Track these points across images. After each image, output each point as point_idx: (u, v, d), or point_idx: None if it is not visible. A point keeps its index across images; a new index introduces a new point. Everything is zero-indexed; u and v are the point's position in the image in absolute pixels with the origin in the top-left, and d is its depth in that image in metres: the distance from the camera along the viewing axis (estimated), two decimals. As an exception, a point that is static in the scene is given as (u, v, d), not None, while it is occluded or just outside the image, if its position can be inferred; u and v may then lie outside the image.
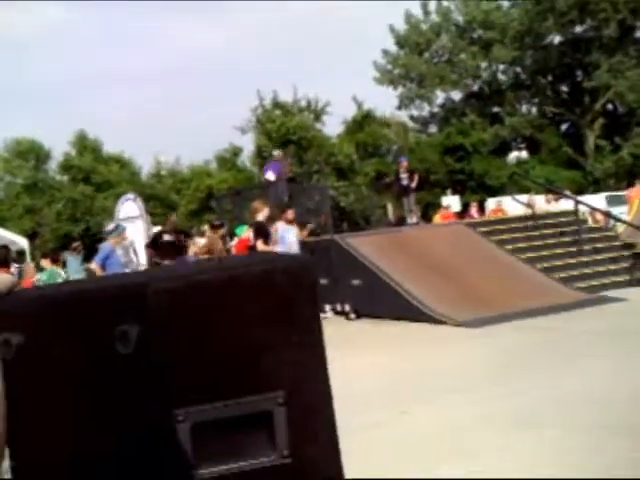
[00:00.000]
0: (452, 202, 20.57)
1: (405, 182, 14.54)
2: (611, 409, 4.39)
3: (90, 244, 20.06)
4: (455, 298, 8.66)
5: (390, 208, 19.01)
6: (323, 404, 1.23)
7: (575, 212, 11.54)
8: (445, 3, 38.25)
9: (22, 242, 19.52)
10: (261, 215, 9.14)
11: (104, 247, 8.92)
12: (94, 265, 8.65)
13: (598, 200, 22.53)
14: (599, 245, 10.88)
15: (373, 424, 4.51)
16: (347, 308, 9.66)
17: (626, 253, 10.58)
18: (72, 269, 15.53)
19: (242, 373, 1.15)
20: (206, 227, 12.92)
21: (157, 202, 31.51)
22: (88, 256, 14.03)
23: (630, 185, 23.21)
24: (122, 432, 1.11)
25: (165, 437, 1.09)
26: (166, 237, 8.74)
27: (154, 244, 8.91)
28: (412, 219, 14.42)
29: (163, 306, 1.15)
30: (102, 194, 32.36)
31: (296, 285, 1.20)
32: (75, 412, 1.12)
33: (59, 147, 35.69)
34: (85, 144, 34.79)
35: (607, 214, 14.41)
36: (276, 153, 15.29)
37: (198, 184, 32.16)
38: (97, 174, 33.52)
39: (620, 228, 13.60)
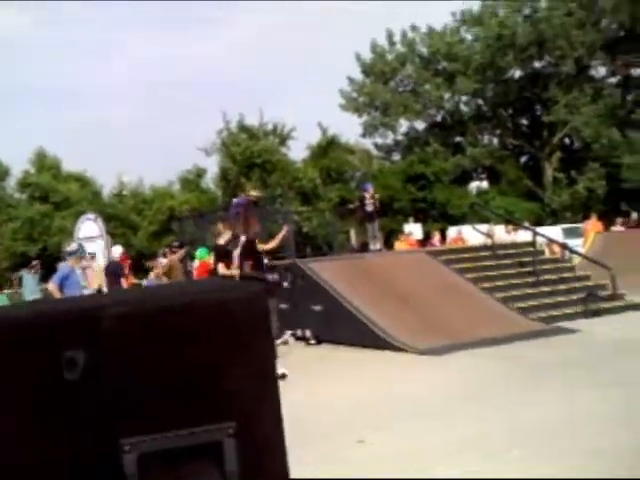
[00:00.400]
0: (414, 230, 20.78)
1: (370, 208, 14.63)
2: (566, 436, 4.44)
3: (47, 264, 19.64)
4: (416, 326, 8.70)
5: (353, 234, 19.10)
6: (275, 435, 1.22)
7: (533, 243, 11.76)
8: (410, 34, 39.00)
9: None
10: (223, 238, 9.08)
11: (62, 267, 8.76)
12: (51, 286, 8.47)
13: (555, 232, 23.01)
14: (555, 276, 11.07)
15: (329, 453, 4.47)
16: (307, 333, 9.61)
17: (581, 285, 10.79)
18: (28, 288, 15.19)
19: (192, 403, 1.13)
20: (166, 249, 12.79)
21: (118, 222, 31.08)
22: (46, 276, 13.75)
23: (586, 218, 23.88)
24: (67, 462, 1.08)
25: (110, 468, 1.06)
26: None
27: None
28: (375, 245, 14.51)
29: (114, 332, 1.13)
30: (60, 213, 31.81)
31: (249, 315, 1.19)
32: (18, 440, 1.09)
33: (18, 165, 35.08)
34: (44, 162, 34.24)
35: (563, 246, 14.72)
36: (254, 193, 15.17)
37: (160, 205, 31.88)
38: (56, 192, 32.97)
39: (576, 260, 13.91)
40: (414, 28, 38.95)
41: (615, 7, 33.80)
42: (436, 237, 18.48)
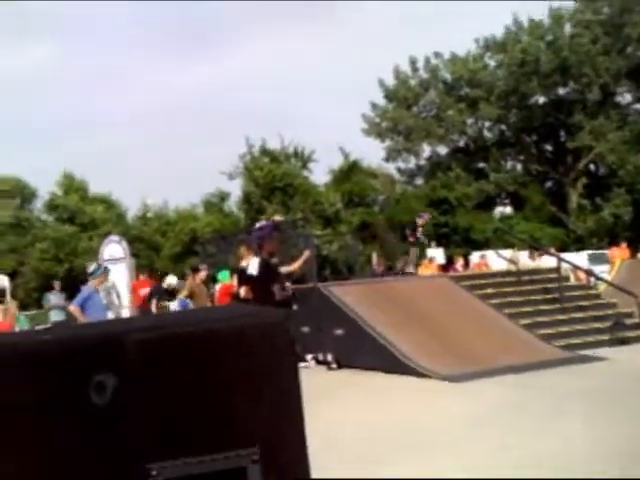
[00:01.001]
0: (437, 254, 20.68)
1: (420, 235, 16.08)
2: (589, 469, 4.36)
3: (73, 284, 19.88)
4: (438, 351, 8.63)
5: (374, 257, 19.06)
6: (298, 461, 1.22)
7: (557, 269, 11.63)
8: (433, 61, 39.21)
9: (3, 280, 19.39)
10: (245, 261, 9.12)
11: (85, 289, 8.85)
12: (72, 307, 8.54)
13: (580, 258, 22.75)
14: (581, 303, 10.93)
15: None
16: (329, 358, 9.58)
17: (608, 312, 10.63)
18: (53, 310, 15.30)
19: (217, 428, 1.14)
20: (188, 271, 12.88)
21: (142, 244, 31.39)
22: (71, 296, 13.92)
23: (612, 244, 23.63)
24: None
25: (136, 492, 1.07)
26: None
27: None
28: (409, 269, 15.31)
29: (140, 357, 1.14)
30: (87, 234, 32.23)
31: (273, 342, 1.20)
32: (46, 461, 1.10)
33: (45, 187, 35.69)
34: (72, 184, 34.80)
35: (589, 272, 14.54)
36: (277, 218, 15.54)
37: (183, 227, 32.16)
38: (82, 214, 33.44)
39: (601, 287, 13.73)
40: (437, 54, 39.17)
41: (640, 37, 33.73)
42: (459, 262, 18.39)
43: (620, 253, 18.34)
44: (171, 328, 1.21)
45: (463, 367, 8.09)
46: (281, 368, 1.23)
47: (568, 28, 36.21)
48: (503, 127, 40.32)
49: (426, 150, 40.80)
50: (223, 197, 35.44)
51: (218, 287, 11.56)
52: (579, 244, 33.56)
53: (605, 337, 9.86)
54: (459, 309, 9.82)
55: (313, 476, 1.27)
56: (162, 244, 33.06)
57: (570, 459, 4.63)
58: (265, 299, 7.88)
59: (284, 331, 1.25)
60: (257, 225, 13.88)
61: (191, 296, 10.18)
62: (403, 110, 39.08)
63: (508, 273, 12.22)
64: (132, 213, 36.61)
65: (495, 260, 17.88)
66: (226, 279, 11.17)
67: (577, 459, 4.63)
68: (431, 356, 8.41)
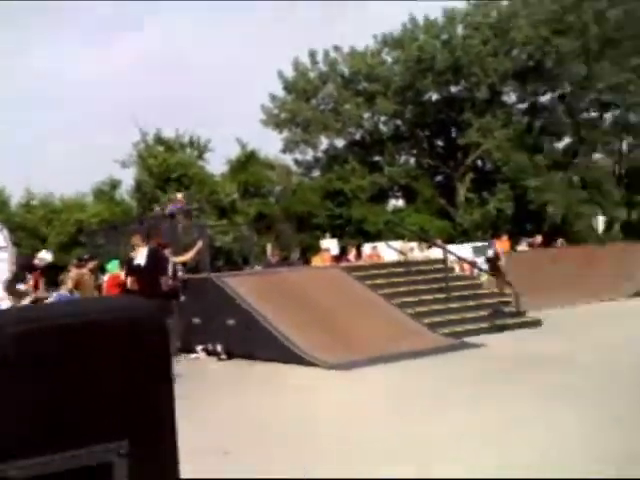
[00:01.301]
0: (330, 245, 21.00)
1: None
2: (476, 453, 4.61)
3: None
4: (328, 340, 8.79)
5: (269, 248, 19.10)
6: (168, 455, 1.23)
7: (444, 260, 12.12)
8: (332, 54, 39.62)
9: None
10: (136, 251, 8.88)
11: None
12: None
13: (465, 250, 23.80)
14: (465, 293, 11.46)
15: (230, 472, 4.45)
16: (219, 348, 9.53)
17: (488, 301, 11.22)
18: None
19: (83, 423, 1.13)
20: (74, 261, 12.39)
21: (25, 233, 29.85)
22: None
23: (495, 237, 24.80)
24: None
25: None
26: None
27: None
28: None
29: (7, 351, 1.11)
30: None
31: (145, 334, 1.20)
32: None
33: None
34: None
35: (473, 264, 15.24)
36: (179, 196, 15.64)
37: (69, 216, 30.92)
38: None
39: (484, 277, 14.45)
40: (337, 48, 39.62)
41: (526, 39, 35.54)
42: (351, 253, 18.74)
43: (501, 245, 19.31)
44: (42, 320, 1.18)
45: (351, 356, 8.30)
46: (152, 361, 1.23)
47: (461, 29, 37.62)
48: (398, 122, 41.35)
49: (323, 142, 41.25)
50: (114, 185, 34.29)
51: (106, 277, 11.21)
52: (465, 236, 35.05)
53: (486, 325, 10.39)
54: (350, 299, 10.04)
55: (187, 470, 1.28)
56: (47, 233, 31.59)
57: (456, 443, 4.86)
58: (151, 290, 7.70)
59: (157, 323, 1.25)
60: (170, 208, 13.81)
61: (77, 287, 9.81)
62: (302, 102, 39.28)
63: (398, 264, 12.61)
64: (15, 200, 34.72)
65: (386, 251, 18.37)
66: (115, 269, 10.85)
67: (463, 444, 4.87)
68: (320, 345, 8.57)
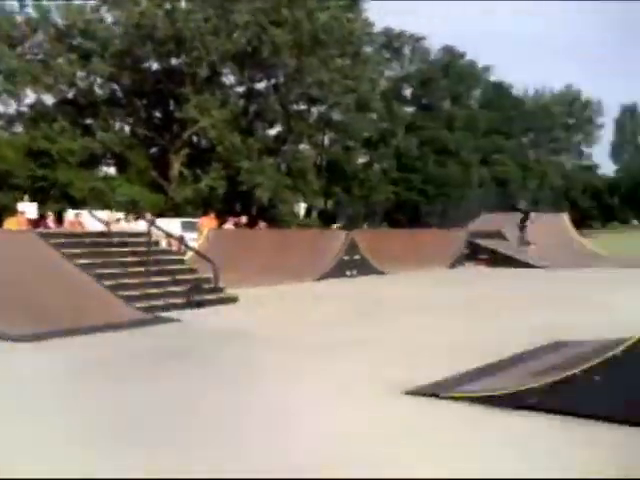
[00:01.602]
0: (28, 209, 19.43)
1: None
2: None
3: None
4: (14, 311, 8.16)
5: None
6: None
7: (149, 234, 12.00)
8: (44, 2, 36.51)
9: None
10: None
11: None
12: None
13: (175, 225, 23.88)
14: (166, 267, 11.48)
15: None
16: None
17: (189, 277, 11.39)
18: None
19: None
20: None
21: None
22: None
23: (205, 214, 25.31)
24: None
25: None
26: None
27: None
28: None
29: None
30: None
31: None
32: None
33: None
34: None
35: (179, 239, 15.35)
36: None
37: None
38: None
39: (190, 253, 14.64)
40: (49, -5, 36.62)
41: (245, 24, 36.62)
42: (50, 218, 17.61)
43: (208, 222, 19.79)
44: None
45: (39, 327, 7.82)
46: None
47: (184, 2, 37.35)
48: (115, 86, 39.71)
49: (30, 96, 37.88)
50: None
51: None
52: (176, 211, 35.16)
53: (184, 300, 10.57)
54: (41, 267, 9.43)
55: None
56: None
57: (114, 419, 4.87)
58: None
59: None
60: None
61: None
62: (6, 48, 35.48)
63: (100, 234, 12.15)
64: None
65: (90, 220, 17.59)
66: None
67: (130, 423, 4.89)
68: (6, 316, 7.91)
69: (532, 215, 21.62)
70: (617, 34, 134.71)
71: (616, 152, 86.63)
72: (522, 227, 21.30)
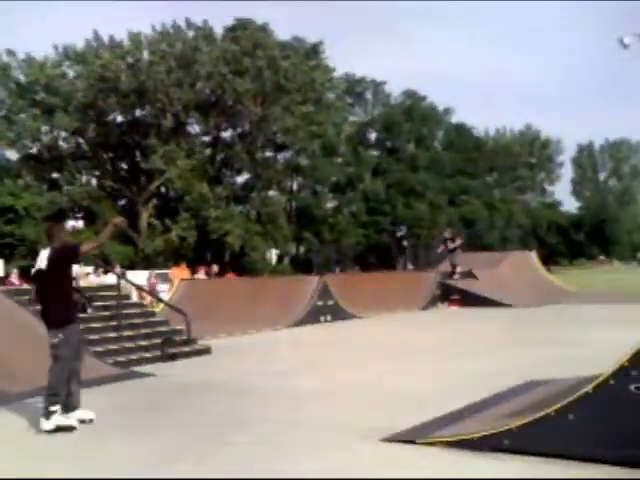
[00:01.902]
0: (-5, 266, 19.14)
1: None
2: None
3: None
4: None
5: None
6: None
7: (118, 287, 11.90)
8: (5, 58, 36.72)
9: None
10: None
11: None
12: None
13: (146, 276, 23.68)
14: (137, 321, 11.36)
15: None
16: None
17: (161, 329, 11.28)
18: None
19: None
20: None
21: None
22: None
23: (176, 264, 25.18)
24: None
25: None
26: None
27: None
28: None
29: None
30: None
31: None
32: None
33: None
34: None
35: (148, 292, 15.24)
36: None
37: None
38: None
39: (161, 305, 14.52)
40: (10, 52, 36.85)
41: (208, 75, 37.15)
42: (14, 275, 17.42)
43: (180, 273, 19.70)
44: None
45: (9, 388, 7.64)
46: None
47: (147, 54, 37.80)
48: (80, 140, 39.68)
49: (-7, 152, 37.72)
50: None
51: None
52: (147, 262, 34.85)
53: (157, 354, 10.44)
54: (6, 326, 9.24)
55: None
56: None
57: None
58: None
59: None
60: None
61: None
62: (-33, 105, 35.44)
63: (69, 290, 11.99)
64: None
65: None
66: None
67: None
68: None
69: (457, 239, 22.37)
70: (571, 75, 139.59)
71: (577, 189, 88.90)
72: (450, 251, 21.92)
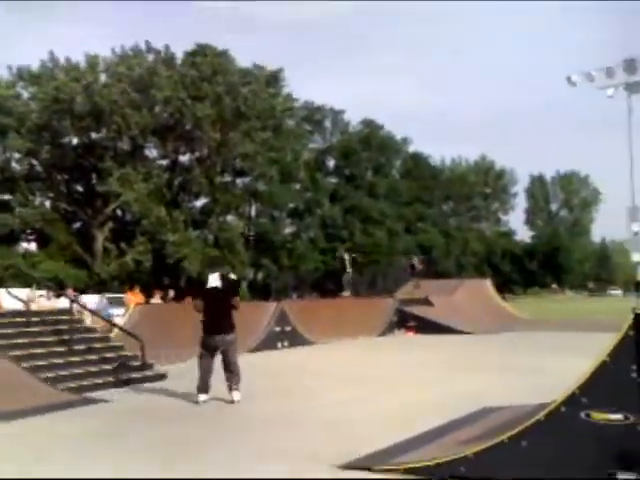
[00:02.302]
0: (-59, 291, 18.46)
1: None
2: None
3: None
4: None
5: None
6: None
7: (70, 311, 11.66)
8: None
9: None
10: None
11: None
12: None
13: (100, 300, 23.26)
14: (91, 345, 11.12)
15: None
16: None
17: (114, 355, 11.06)
18: None
19: None
20: None
21: None
22: None
23: (130, 289, 24.76)
24: None
25: None
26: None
27: None
28: None
29: None
30: None
31: None
32: None
33: None
34: None
35: (102, 317, 14.95)
36: None
37: None
38: None
39: (116, 330, 14.23)
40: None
41: (166, 99, 37.06)
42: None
43: (134, 297, 19.37)
44: None
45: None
46: None
47: (104, 77, 37.56)
48: (34, 161, 39.05)
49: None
50: None
51: None
52: (101, 286, 34.24)
53: (111, 379, 10.23)
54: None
55: None
56: None
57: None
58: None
59: None
60: None
61: None
62: None
63: (18, 313, 11.71)
64: None
65: (8, 299, 16.89)
66: None
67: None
68: None
69: (416, 263, 25.91)
70: (523, 105, 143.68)
71: (530, 219, 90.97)
72: (412, 274, 25.26)
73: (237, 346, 8.87)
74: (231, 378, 8.65)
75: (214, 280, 8.74)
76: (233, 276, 9.49)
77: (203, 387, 8.64)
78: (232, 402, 8.44)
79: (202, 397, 8.60)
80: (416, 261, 26.35)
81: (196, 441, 6.45)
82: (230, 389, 8.60)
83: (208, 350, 8.75)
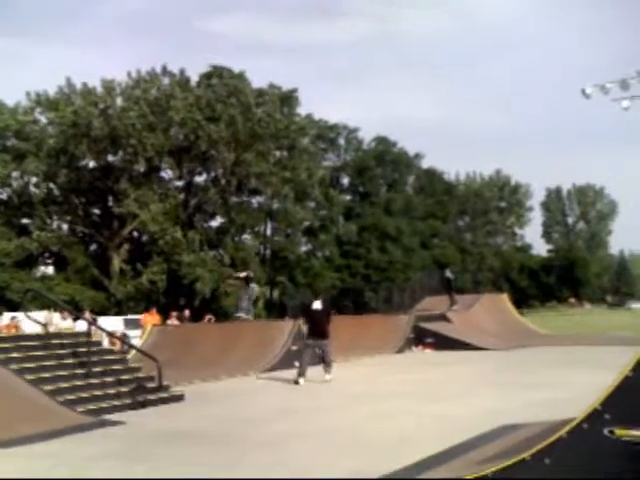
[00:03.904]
0: (-40, 315, 18.68)
1: None
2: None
3: None
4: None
5: None
6: None
7: (88, 333, 11.69)
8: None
9: None
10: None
11: None
12: None
13: (117, 322, 23.35)
14: (109, 367, 11.13)
15: None
16: None
17: (132, 376, 11.06)
18: None
19: None
20: None
21: None
22: None
23: (146, 310, 24.84)
24: None
25: None
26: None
27: None
28: None
29: None
30: None
31: None
32: None
33: None
34: None
35: (120, 338, 14.99)
36: None
37: None
38: None
39: (133, 351, 14.26)
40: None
41: (182, 121, 37.39)
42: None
43: (151, 319, 19.42)
44: None
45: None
46: None
47: (120, 100, 38.01)
48: (51, 185, 39.49)
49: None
50: None
51: None
52: (118, 308, 34.43)
53: (127, 401, 10.22)
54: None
55: None
56: None
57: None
58: None
59: None
60: None
61: None
62: None
63: (37, 336, 11.75)
64: None
65: (27, 322, 17.01)
66: None
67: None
68: None
69: (451, 276, 23.60)
70: (539, 122, 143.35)
71: (547, 232, 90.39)
72: (448, 290, 22.90)
73: (331, 348, 12.87)
74: (326, 367, 12.53)
75: (317, 304, 12.88)
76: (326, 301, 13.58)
77: (302, 373, 12.23)
78: (326, 381, 12.21)
79: (301, 381, 12.13)
80: (450, 273, 23.54)
81: (212, 464, 6.41)
82: (326, 372, 12.46)
83: (311, 347, 12.67)
